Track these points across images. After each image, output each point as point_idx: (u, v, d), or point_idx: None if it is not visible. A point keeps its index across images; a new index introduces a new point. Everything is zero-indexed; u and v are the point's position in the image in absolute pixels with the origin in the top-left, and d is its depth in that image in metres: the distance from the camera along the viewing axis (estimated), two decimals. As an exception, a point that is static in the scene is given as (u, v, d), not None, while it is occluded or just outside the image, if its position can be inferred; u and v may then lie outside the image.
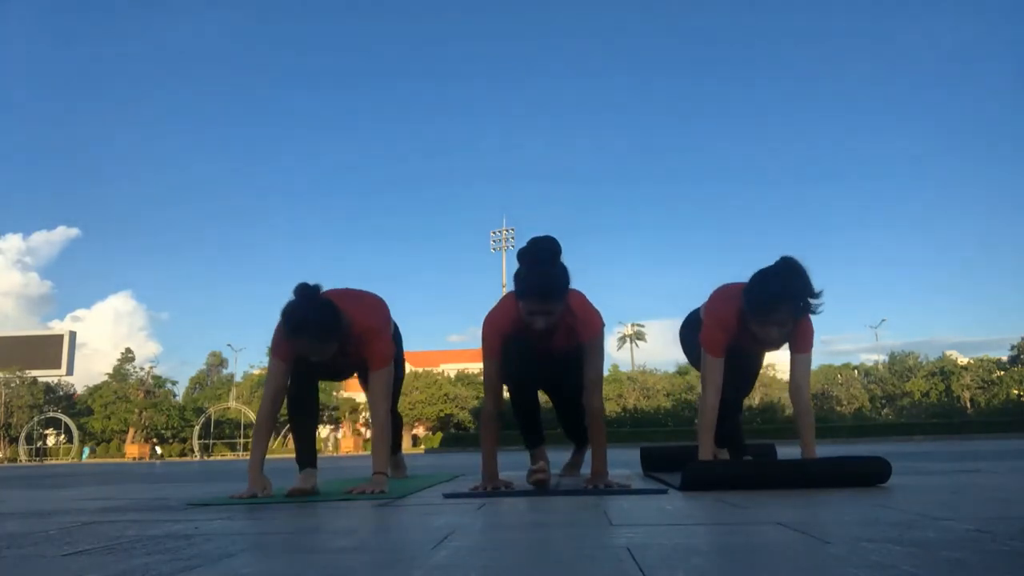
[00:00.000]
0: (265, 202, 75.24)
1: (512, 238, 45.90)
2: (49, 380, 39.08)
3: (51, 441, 39.38)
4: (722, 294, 2.77)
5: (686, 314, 3.13)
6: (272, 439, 2.57)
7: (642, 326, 59.46)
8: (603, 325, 2.61)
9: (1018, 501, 1.85)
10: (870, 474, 2.37)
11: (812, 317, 2.71)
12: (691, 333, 2.98)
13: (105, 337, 65.79)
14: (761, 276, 2.58)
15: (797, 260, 2.56)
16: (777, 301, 2.53)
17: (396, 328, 2.98)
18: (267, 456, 2.63)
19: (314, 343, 2.43)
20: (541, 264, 2.44)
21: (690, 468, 2.35)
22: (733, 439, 2.99)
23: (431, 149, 79.15)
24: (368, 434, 38.53)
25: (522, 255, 2.47)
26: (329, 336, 2.45)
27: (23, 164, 72.61)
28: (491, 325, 2.59)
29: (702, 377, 2.76)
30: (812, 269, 2.62)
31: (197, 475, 5.95)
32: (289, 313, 2.43)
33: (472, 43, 77.58)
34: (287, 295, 2.57)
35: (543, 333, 2.51)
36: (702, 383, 2.76)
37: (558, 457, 3.46)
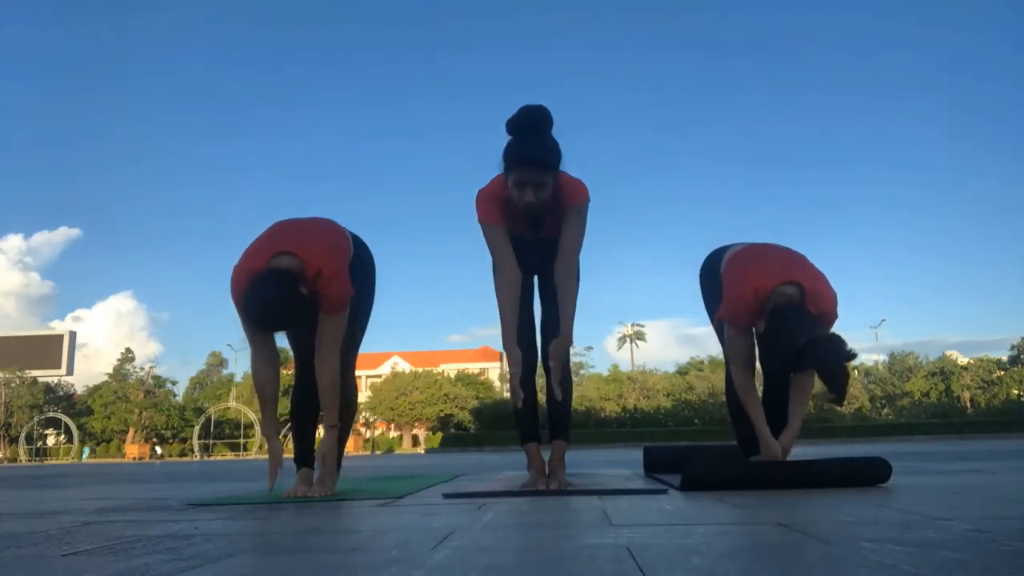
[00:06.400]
0: (265, 201, 75.24)
1: (512, 238, 45.75)
2: (49, 380, 39.07)
3: (51, 441, 39.37)
4: (741, 259, 2.71)
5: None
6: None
7: (642, 326, 59.48)
8: (588, 196, 2.44)
9: (1018, 501, 1.85)
10: (870, 475, 2.37)
11: (831, 284, 2.61)
12: (708, 283, 2.93)
13: (106, 337, 65.91)
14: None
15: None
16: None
17: (364, 258, 2.73)
18: (268, 456, 2.62)
19: (286, 325, 2.36)
20: (533, 133, 2.30)
21: (690, 470, 2.33)
22: (748, 436, 2.89)
23: (431, 148, 79.19)
24: (367, 434, 38.60)
25: (511, 124, 2.31)
26: (295, 312, 2.29)
27: (24, 164, 72.67)
28: (485, 195, 2.43)
29: (725, 355, 2.66)
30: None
31: (197, 475, 5.94)
32: (263, 323, 2.32)
33: (474, 41, 77.62)
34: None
35: (534, 220, 2.40)
36: (726, 362, 2.66)
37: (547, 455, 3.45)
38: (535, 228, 2.50)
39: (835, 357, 2.38)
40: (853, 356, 2.40)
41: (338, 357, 2.45)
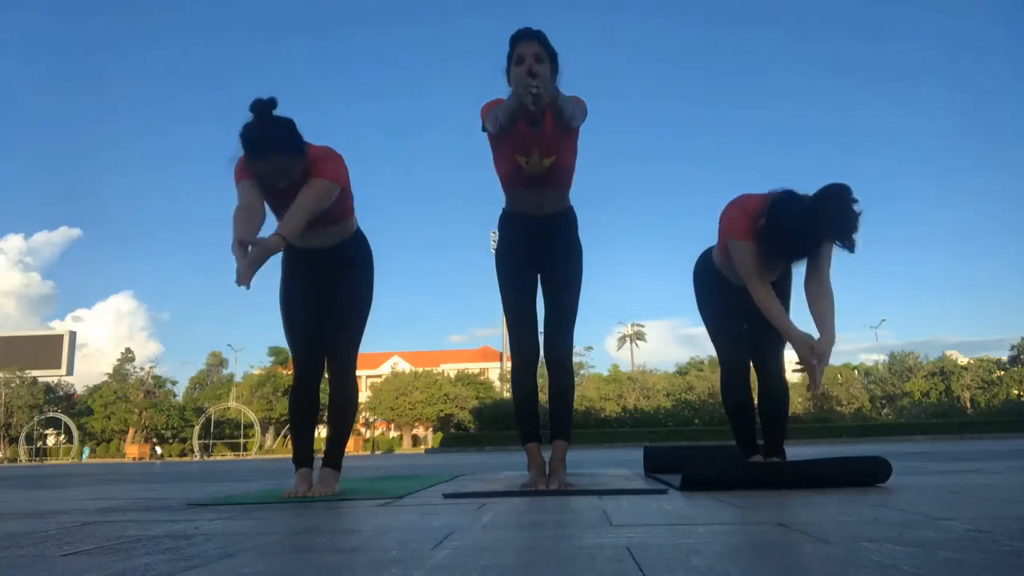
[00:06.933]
0: (265, 202, 75.29)
1: (512, 238, 45.72)
2: (49, 380, 39.11)
3: (51, 441, 39.42)
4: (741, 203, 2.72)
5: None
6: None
7: (642, 326, 59.48)
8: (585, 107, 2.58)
9: (1018, 501, 1.84)
10: (870, 474, 2.37)
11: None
12: (701, 285, 2.97)
13: (106, 337, 65.99)
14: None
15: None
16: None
17: (366, 249, 2.71)
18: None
19: (278, 160, 2.29)
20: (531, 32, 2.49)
21: (690, 473, 2.33)
22: (746, 437, 2.90)
23: (430, 147, 79.23)
24: (367, 434, 38.58)
25: (512, 36, 2.51)
26: (293, 149, 2.30)
27: (25, 165, 72.72)
28: (488, 102, 2.54)
29: (741, 271, 2.62)
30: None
31: (197, 475, 5.95)
32: (249, 134, 2.28)
33: (475, 37, 77.64)
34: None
35: (533, 116, 2.43)
36: (746, 279, 2.61)
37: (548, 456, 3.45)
38: (534, 119, 2.49)
39: (847, 199, 2.41)
40: (858, 210, 2.45)
41: (318, 202, 2.33)
